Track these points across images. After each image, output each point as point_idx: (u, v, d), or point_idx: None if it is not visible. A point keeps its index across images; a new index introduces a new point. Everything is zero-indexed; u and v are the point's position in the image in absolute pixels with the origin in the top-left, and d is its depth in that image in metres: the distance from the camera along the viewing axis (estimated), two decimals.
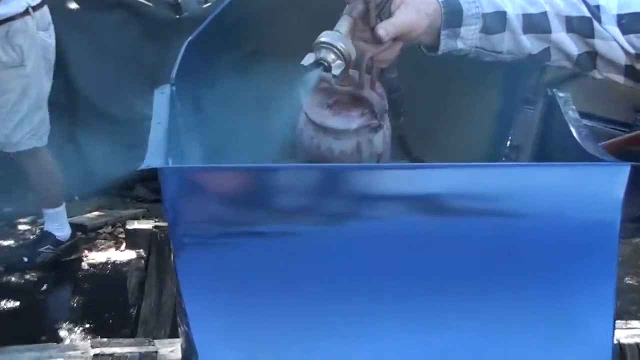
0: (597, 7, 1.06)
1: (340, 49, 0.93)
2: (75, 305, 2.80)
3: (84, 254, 3.07)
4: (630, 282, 2.96)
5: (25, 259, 2.96)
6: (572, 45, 1.08)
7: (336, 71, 0.94)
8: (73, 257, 3.09)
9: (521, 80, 1.39)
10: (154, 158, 0.88)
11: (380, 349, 0.81)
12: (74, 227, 3.06)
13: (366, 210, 0.84)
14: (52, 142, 2.93)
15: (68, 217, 3.09)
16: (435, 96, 1.38)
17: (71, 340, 2.15)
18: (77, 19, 3.50)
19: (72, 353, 1.46)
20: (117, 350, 1.39)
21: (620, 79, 1.11)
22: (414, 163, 1.22)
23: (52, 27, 2.91)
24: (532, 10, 1.07)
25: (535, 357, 0.85)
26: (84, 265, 3.05)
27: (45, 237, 3.02)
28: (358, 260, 0.82)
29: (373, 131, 1.06)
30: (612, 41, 1.07)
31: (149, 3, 3.55)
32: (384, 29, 0.99)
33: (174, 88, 1.14)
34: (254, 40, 1.47)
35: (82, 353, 1.44)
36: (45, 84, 2.90)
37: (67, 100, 3.52)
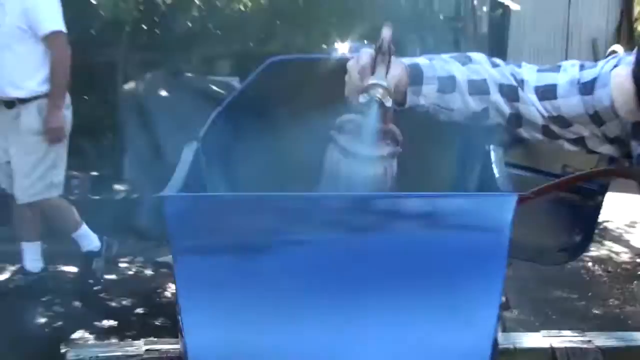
0: (522, 80, 1.32)
1: (387, 86, 1.20)
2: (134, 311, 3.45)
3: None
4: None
5: None
6: (504, 106, 1.31)
7: (388, 103, 1.19)
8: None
9: (475, 139, 1.77)
10: (169, 190, 1.19)
11: (326, 331, 1.10)
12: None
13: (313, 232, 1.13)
14: None
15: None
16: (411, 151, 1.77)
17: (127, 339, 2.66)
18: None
19: (128, 348, 1.85)
20: (164, 347, 1.80)
21: (539, 136, 1.36)
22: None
23: (70, 106, 3.59)
24: (475, 77, 1.30)
25: (436, 336, 1.13)
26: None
27: None
28: (312, 270, 1.11)
29: (394, 157, 1.29)
30: (531, 106, 1.31)
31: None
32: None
33: (199, 144, 1.57)
34: (273, 107, 1.94)
35: (136, 349, 1.84)
36: (63, 150, 3.59)
37: None
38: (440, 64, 1.31)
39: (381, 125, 1.23)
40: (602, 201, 2.36)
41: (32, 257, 3.64)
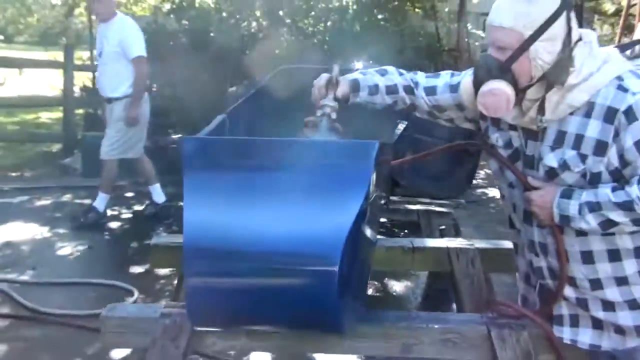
0: (417, 82, 2.08)
1: (333, 106, 1.95)
2: None
3: None
4: None
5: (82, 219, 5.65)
6: (406, 99, 2.07)
7: (333, 116, 1.94)
8: None
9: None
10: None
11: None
12: None
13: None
14: None
15: None
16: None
17: None
18: None
19: None
20: None
21: (426, 116, 2.13)
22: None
23: (148, 102, 5.82)
24: (389, 83, 2.04)
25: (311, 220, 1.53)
26: None
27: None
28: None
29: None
30: (421, 99, 2.07)
31: None
32: (338, 94, 1.99)
33: (226, 116, 2.50)
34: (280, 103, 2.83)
35: None
36: (142, 131, 5.77)
37: None
38: (369, 77, 2.07)
39: (329, 126, 1.96)
40: (477, 158, 3.28)
41: (157, 193, 5.96)
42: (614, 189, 1.68)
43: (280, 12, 10.22)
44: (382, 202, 2.17)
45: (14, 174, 7.57)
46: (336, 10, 10.93)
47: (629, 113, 1.64)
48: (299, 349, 2.26)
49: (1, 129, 10.52)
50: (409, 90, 2.09)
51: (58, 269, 4.63)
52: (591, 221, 1.69)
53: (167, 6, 11.31)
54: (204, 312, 1.59)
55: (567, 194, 1.74)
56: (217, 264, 1.51)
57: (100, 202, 5.72)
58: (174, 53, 8.84)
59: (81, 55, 11.47)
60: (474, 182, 7.83)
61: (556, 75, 1.72)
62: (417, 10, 10.63)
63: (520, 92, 1.75)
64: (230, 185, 1.57)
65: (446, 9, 11.03)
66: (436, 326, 1.94)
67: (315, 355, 3.31)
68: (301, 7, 10.77)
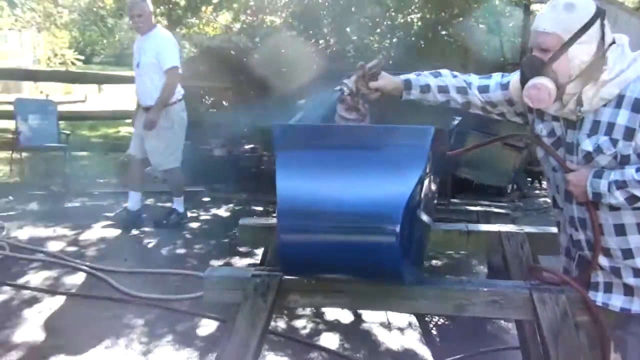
0: (470, 83, 2.40)
1: (349, 86, 2.31)
2: None
3: None
4: None
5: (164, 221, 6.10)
6: (459, 98, 2.41)
7: (346, 93, 2.27)
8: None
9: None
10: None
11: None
12: None
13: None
14: None
15: None
16: None
17: None
18: None
19: None
20: None
21: (480, 112, 2.45)
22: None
23: (185, 110, 6.08)
24: (441, 84, 2.36)
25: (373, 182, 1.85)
26: None
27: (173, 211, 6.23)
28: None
29: (361, 121, 2.34)
30: (474, 97, 2.40)
31: None
32: (372, 84, 2.34)
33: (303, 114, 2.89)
34: None
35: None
36: (181, 139, 6.09)
37: None
38: (421, 78, 2.40)
39: (345, 104, 2.33)
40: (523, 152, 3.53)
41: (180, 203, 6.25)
42: (637, 169, 1.94)
43: (347, 29, 10.63)
44: (436, 191, 2.47)
45: (102, 181, 8.22)
46: (401, 26, 11.30)
47: None
48: (366, 307, 2.60)
49: (86, 141, 11.29)
50: (462, 90, 2.41)
51: (146, 260, 5.13)
52: (619, 197, 1.95)
53: (237, 25, 11.97)
54: (291, 262, 1.96)
55: (598, 175, 2.01)
56: (302, 222, 1.88)
57: (178, 204, 6.21)
58: (247, 69, 9.40)
59: None
60: (536, 191, 8.08)
61: (591, 72, 2.02)
62: (481, 25, 10.86)
63: (560, 87, 2.04)
64: (310, 159, 1.92)
65: (510, 24, 11.22)
66: (485, 289, 2.25)
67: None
68: (367, 24, 11.21)
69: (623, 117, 1.96)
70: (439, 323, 4.21)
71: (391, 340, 3.87)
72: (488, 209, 4.61)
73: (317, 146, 1.98)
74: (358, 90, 2.35)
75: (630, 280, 2.09)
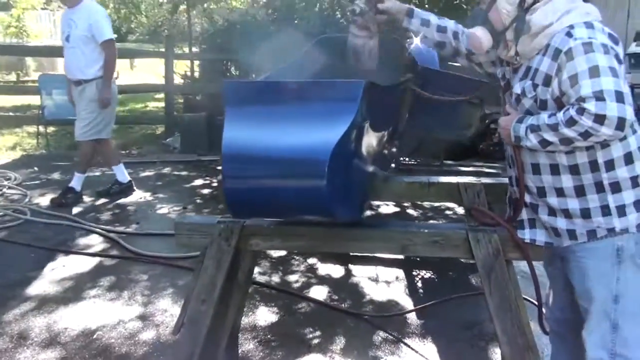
0: (462, 31, 2.51)
1: (362, 6, 2.49)
2: None
3: None
4: None
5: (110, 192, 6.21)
6: (453, 42, 2.47)
7: (357, 10, 2.48)
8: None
9: None
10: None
11: None
12: None
13: None
14: None
15: None
16: None
17: None
18: None
19: None
20: None
21: (464, 61, 2.59)
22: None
23: (116, 84, 6.10)
24: (441, 24, 2.50)
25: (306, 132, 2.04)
26: None
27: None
28: None
29: (370, 38, 2.59)
30: (462, 44, 2.51)
31: None
32: (380, 5, 2.49)
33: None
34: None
35: None
36: (113, 110, 6.06)
37: None
38: (425, 13, 2.56)
39: (357, 23, 2.58)
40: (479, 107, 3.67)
41: (121, 172, 6.26)
42: (550, 115, 2.03)
43: None
44: (388, 145, 2.65)
45: (123, 152, 8.57)
46: None
47: (568, 53, 1.99)
48: (320, 248, 2.83)
49: None
50: (455, 35, 2.56)
51: (157, 223, 5.44)
52: (532, 139, 2.07)
53: None
54: (236, 204, 2.18)
55: (520, 120, 2.16)
56: (245, 167, 2.10)
57: (76, 182, 5.99)
58: (262, 40, 9.60)
59: (182, 45, 12.50)
60: None
61: (520, 21, 2.16)
62: None
63: (496, 35, 2.22)
64: (254, 113, 2.14)
65: None
66: (426, 231, 2.46)
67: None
68: None
69: (545, 65, 2.10)
70: (425, 277, 4.42)
71: (377, 292, 4.10)
72: (480, 169, 4.77)
73: (260, 101, 2.19)
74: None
75: (545, 217, 2.25)
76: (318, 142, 2.03)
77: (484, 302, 2.44)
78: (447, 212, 5.79)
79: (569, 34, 2.04)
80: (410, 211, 5.88)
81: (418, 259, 4.59)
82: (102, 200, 6.13)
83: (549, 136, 2.03)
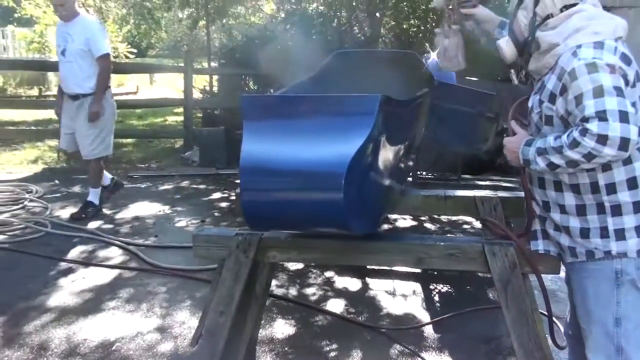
0: None
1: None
2: None
3: None
4: None
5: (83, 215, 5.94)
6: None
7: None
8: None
9: None
10: None
11: None
12: None
13: None
14: None
15: None
16: None
17: None
18: None
19: None
20: None
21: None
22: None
23: (113, 98, 6.00)
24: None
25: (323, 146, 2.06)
26: None
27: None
28: None
29: (445, 37, 2.68)
30: None
31: None
32: (467, 10, 2.57)
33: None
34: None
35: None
36: (111, 126, 5.93)
37: None
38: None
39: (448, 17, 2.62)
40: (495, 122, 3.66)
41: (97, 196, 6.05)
42: (555, 137, 2.01)
43: (377, 14, 10.77)
44: (405, 158, 2.66)
45: (142, 165, 8.67)
46: (435, 10, 11.35)
47: (571, 74, 1.97)
48: (336, 261, 2.85)
49: (132, 129, 11.84)
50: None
51: (175, 236, 5.49)
52: (540, 163, 2.05)
53: (282, 15, 12.28)
54: (253, 217, 2.21)
55: (528, 143, 2.14)
56: (263, 180, 2.13)
57: (93, 196, 6.03)
58: (281, 56, 9.68)
59: (201, 61, 12.64)
60: None
61: (531, 38, 2.19)
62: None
63: (518, 45, 2.26)
64: (271, 127, 2.17)
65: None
66: (442, 243, 2.47)
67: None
68: (403, 9, 11.33)
69: (551, 83, 2.10)
70: (442, 291, 4.41)
71: (394, 306, 4.11)
72: (497, 183, 4.77)
73: (278, 115, 2.23)
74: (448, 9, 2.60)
75: (551, 231, 2.27)
76: (335, 155, 2.05)
77: (501, 316, 2.44)
78: (465, 226, 5.81)
79: (575, 54, 2.02)
80: (428, 225, 5.90)
81: (435, 272, 4.60)
82: (122, 214, 6.20)
83: (556, 159, 2.01)
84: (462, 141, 3.63)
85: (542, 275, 2.40)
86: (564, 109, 2.04)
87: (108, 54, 5.77)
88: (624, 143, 1.86)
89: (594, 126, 1.87)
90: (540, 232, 2.33)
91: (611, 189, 2.05)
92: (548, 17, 2.17)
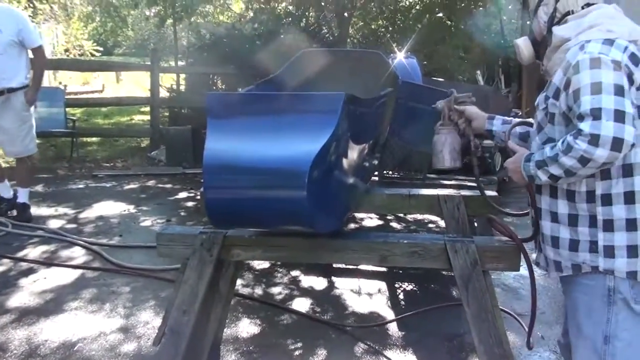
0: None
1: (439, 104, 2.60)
2: None
3: None
4: None
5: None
6: None
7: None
8: None
9: None
10: None
11: None
12: None
13: None
14: None
15: None
16: None
17: None
18: None
19: None
20: None
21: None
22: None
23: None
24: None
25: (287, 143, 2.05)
26: None
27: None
28: None
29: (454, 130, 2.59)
30: None
31: None
32: (458, 107, 2.51)
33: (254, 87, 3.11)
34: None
35: None
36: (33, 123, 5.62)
37: None
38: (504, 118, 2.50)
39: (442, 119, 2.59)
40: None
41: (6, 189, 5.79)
42: (552, 147, 1.91)
43: (345, 14, 10.81)
44: (370, 157, 2.67)
45: (107, 164, 8.56)
46: (402, 10, 11.47)
47: (575, 67, 1.88)
48: (301, 259, 2.85)
49: (98, 127, 11.69)
50: None
51: (140, 236, 5.44)
52: (542, 177, 1.96)
53: (251, 14, 12.24)
54: (217, 215, 2.20)
55: (527, 158, 2.02)
56: (226, 177, 2.12)
57: (24, 196, 5.78)
58: (249, 55, 9.65)
59: (168, 59, 12.54)
60: None
61: (548, 34, 2.12)
62: (480, 7, 10.99)
63: (536, 45, 2.19)
64: (236, 125, 2.16)
65: (509, 6, 11.30)
66: (405, 241, 2.49)
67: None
68: (372, 9, 11.40)
69: (557, 77, 2.00)
70: (407, 289, 4.44)
71: (359, 304, 4.12)
72: (462, 182, 4.82)
73: (242, 112, 2.22)
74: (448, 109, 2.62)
75: (540, 241, 2.20)
76: (298, 153, 2.05)
77: (464, 313, 2.47)
78: (430, 225, 5.87)
79: (582, 47, 1.94)
80: (394, 224, 5.95)
81: (400, 271, 4.63)
82: (86, 213, 6.11)
83: (554, 170, 1.91)
84: (426, 141, 3.64)
85: (504, 273, 2.42)
86: (566, 105, 1.94)
87: (42, 46, 5.61)
88: (617, 143, 1.76)
89: (586, 125, 1.79)
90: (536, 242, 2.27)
91: (606, 200, 1.94)
92: (568, 13, 2.10)
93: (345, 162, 2.35)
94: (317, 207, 2.11)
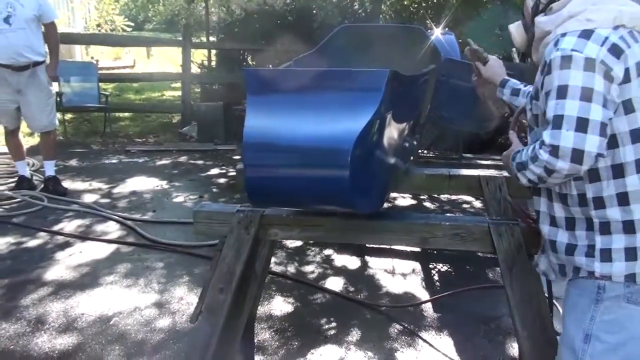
0: None
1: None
2: None
3: None
4: None
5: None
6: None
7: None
8: None
9: None
10: None
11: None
12: None
13: None
14: None
15: None
16: None
17: None
18: None
19: None
20: None
21: None
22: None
23: None
24: (521, 86, 2.35)
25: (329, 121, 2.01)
26: None
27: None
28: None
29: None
30: None
31: None
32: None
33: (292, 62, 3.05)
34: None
35: None
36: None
37: None
38: (516, 83, 2.38)
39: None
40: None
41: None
42: (533, 149, 1.78)
43: None
44: (411, 136, 2.61)
45: (139, 140, 8.60)
46: None
47: (550, 65, 1.74)
48: (339, 239, 2.81)
49: (130, 103, 11.73)
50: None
51: (173, 211, 5.45)
52: (522, 179, 1.87)
53: None
54: (257, 193, 2.17)
55: (513, 157, 1.93)
56: (266, 155, 2.08)
57: (51, 168, 5.93)
58: (280, 31, 9.57)
59: (199, 35, 12.51)
60: None
61: (532, 24, 2.03)
62: None
63: (527, 31, 2.07)
64: (276, 101, 2.12)
65: None
66: (447, 223, 2.43)
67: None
68: None
69: (537, 76, 1.92)
70: (442, 270, 4.39)
71: (393, 284, 4.08)
72: (498, 162, 4.73)
73: (282, 89, 2.17)
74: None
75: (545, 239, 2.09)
76: (341, 131, 1.99)
77: (501, 296, 2.40)
78: (464, 205, 5.78)
79: (556, 43, 1.79)
80: (427, 204, 5.87)
81: (435, 252, 4.57)
82: (119, 188, 6.15)
83: (529, 175, 1.82)
84: (468, 119, 3.57)
85: None
86: (543, 107, 1.81)
87: (54, 21, 5.73)
88: (577, 155, 1.65)
89: (547, 135, 1.69)
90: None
91: (599, 203, 1.81)
92: (553, 0, 1.94)
93: (387, 141, 2.28)
94: (359, 186, 2.06)
